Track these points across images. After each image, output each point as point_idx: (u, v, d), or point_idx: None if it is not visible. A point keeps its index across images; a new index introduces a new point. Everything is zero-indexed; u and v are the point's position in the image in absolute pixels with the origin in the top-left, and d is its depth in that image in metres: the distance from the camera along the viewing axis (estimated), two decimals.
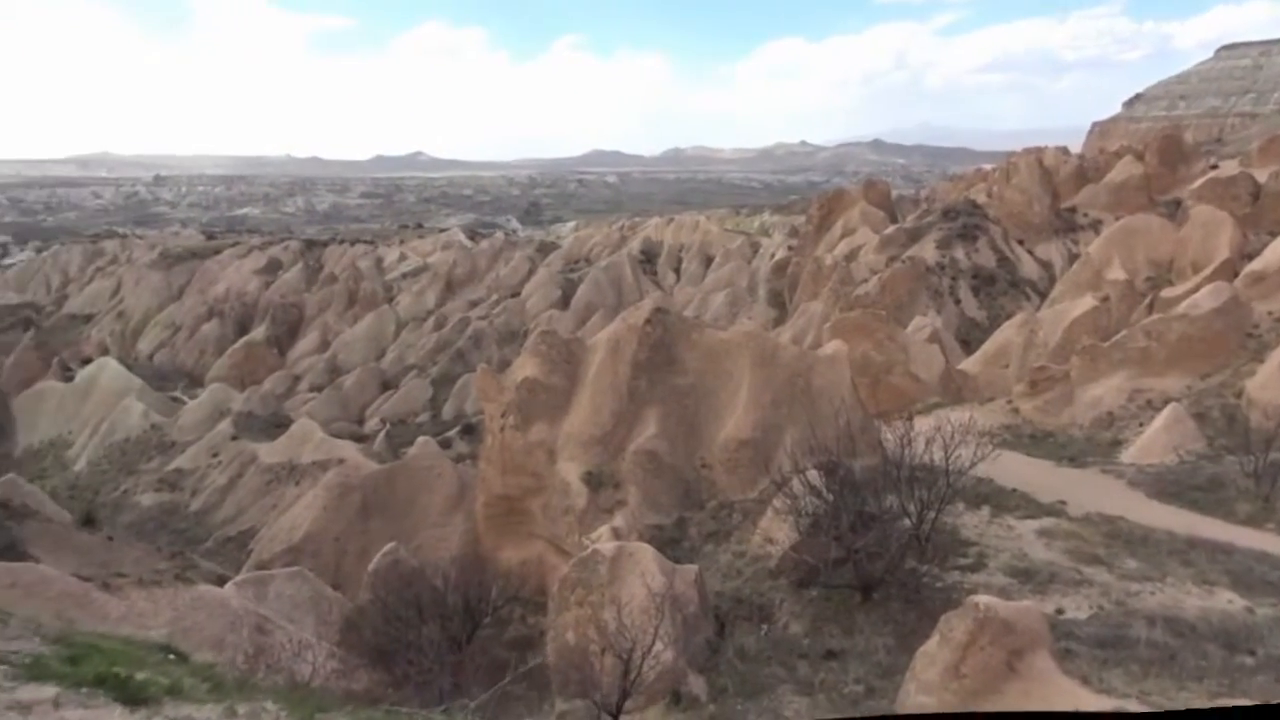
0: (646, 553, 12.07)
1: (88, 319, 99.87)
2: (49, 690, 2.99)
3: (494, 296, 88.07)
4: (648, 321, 18.89)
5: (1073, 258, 67.73)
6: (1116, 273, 34.04)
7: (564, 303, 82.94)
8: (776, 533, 15.22)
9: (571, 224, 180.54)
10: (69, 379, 57.05)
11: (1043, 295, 64.07)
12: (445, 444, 46.53)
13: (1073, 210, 72.61)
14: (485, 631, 15.94)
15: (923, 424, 17.93)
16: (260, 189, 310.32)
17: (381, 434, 51.27)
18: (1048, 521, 16.14)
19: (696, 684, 11.00)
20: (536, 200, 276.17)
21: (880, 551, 13.45)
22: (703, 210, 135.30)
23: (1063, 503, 17.03)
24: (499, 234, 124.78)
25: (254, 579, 15.93)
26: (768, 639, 12.71)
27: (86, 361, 66.49)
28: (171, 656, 5.65)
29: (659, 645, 9.97)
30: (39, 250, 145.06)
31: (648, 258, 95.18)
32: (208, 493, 39.23)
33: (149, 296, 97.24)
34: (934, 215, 76.71)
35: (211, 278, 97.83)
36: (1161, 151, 65.18)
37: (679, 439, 18.37)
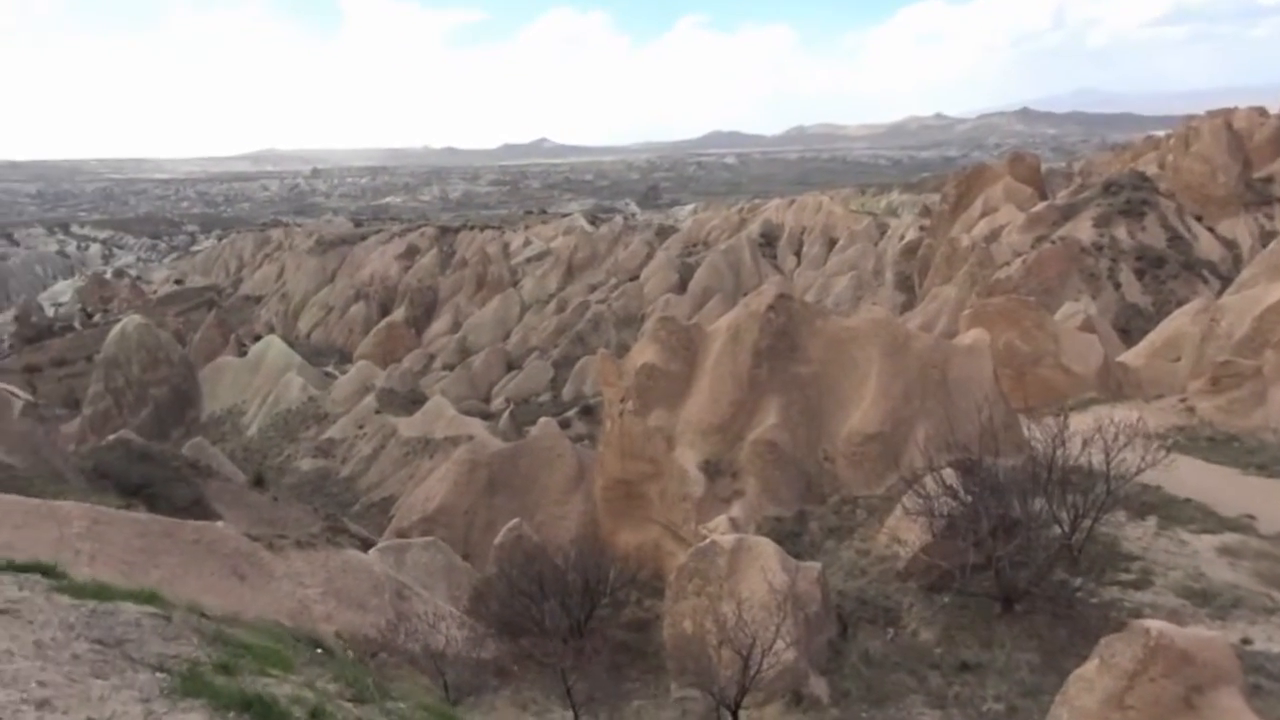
0: (767, 547, 11.74)
1: (258, 300, 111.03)
2: (194, 718, 3.18)
3: (613, 280, 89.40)
4: (770, 308, 18.33)
5: (1266, 236, 59.27)
6: None
7: (682, 286, 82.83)
8: (905, 533, 14.37)
9: (690, 207, 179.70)
10: (243, 354, 63.88)
11: (1224, 279, 56.62)
12: (564, 424, 47.98)
13: (1269, 180, 63.44)
14: (602, 612, 16.22)
15: (1079, 422, 16.31)
16: (401, 179, 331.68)
17: (506, 413, 53.57)
18: (1231, 538, 14.23)
19: (818, 685, 10.60)
20: (655, 184, 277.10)
21: (1026, 560, 12.37)
22: (826, 190, 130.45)
23: (1250, 517, 14.96)
24: (618, 218, 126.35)
25: (394, 546, 17.05)
26: (895, 644, 12.06)
27: (257, 338, 74.06)
28: (319, 650, 6.04)
29: (780, 644, 9.66)
30: (219, 238, 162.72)
31: (767, 240, 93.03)
32: (355, 461, 42.67)
33: (307, 280, 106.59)
34: (1092, 190, 69.67)
35: (359, 262, 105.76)
36: None
37: (800, 430, 17.76)
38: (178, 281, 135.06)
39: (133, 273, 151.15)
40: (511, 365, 74.84)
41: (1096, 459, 13.84)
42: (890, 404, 17.49)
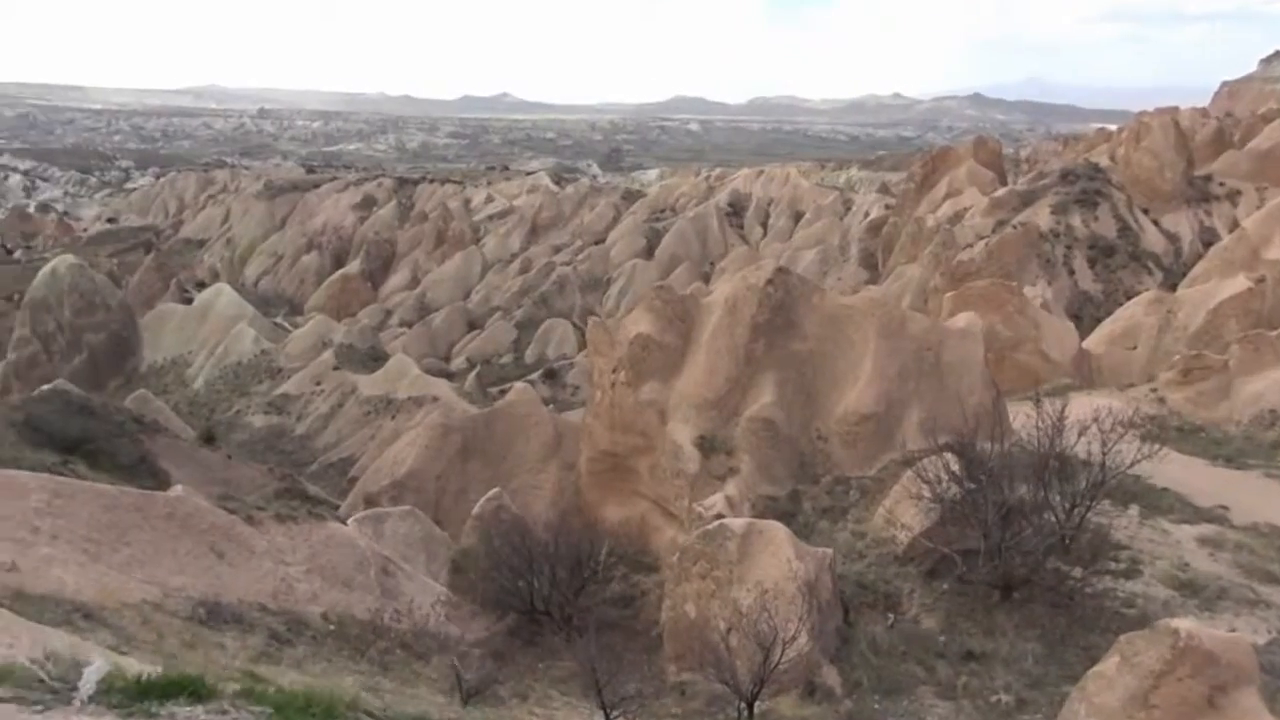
0: (780, 532, 11.42)
1: (200, 244, 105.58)
2: None
3: (578, 242, 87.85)
4: (769, 282, 17.86)
5: (1204, 230, 61.83)
6: (1278, 252, 30.48)
7: (648, 252, 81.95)
8: (903, 515, 14.29)
9: (654, 172, 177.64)
10: (187, 301, 60.53)
11: (1166, 270, 58.96)
12: None
13: (1208, 178, 65.88)
14: (589, 586, 15.82)
15: (1055, 408, 16.45)
16: (355, 125, 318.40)
17: (472, 375, 52.37)
18: (1208, 529, 14.60)
19: (830, 676, 10.42)
20: (617, 146, 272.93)
21: (1029, 549, 12.40)
22: (786, 162, 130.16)
23: (1224, 508, 15.38)
24: (584, 180, 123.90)
25: (372, 516, 16.26)
26: (899, 632, 11.98)
27: (200, 285, 70.35)
28: None
29: (803, 638, 9.38)
30: (158, 176, 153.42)
31: (734, 210, 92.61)
32: (311, 419, 41.05)
33: (254, 226, 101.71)
34: (1050, 178, 71.22)
35: (311, 210, 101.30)
36: None
37: (795, 408, 17.49)
38: (111, 220, 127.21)
39: (59, 208, 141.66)
40: (473, 325, 73.14)
41: (1092, 447, 13.93)
42: (885, 385, 17.33)
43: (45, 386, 31.35)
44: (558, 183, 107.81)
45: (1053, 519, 13.53)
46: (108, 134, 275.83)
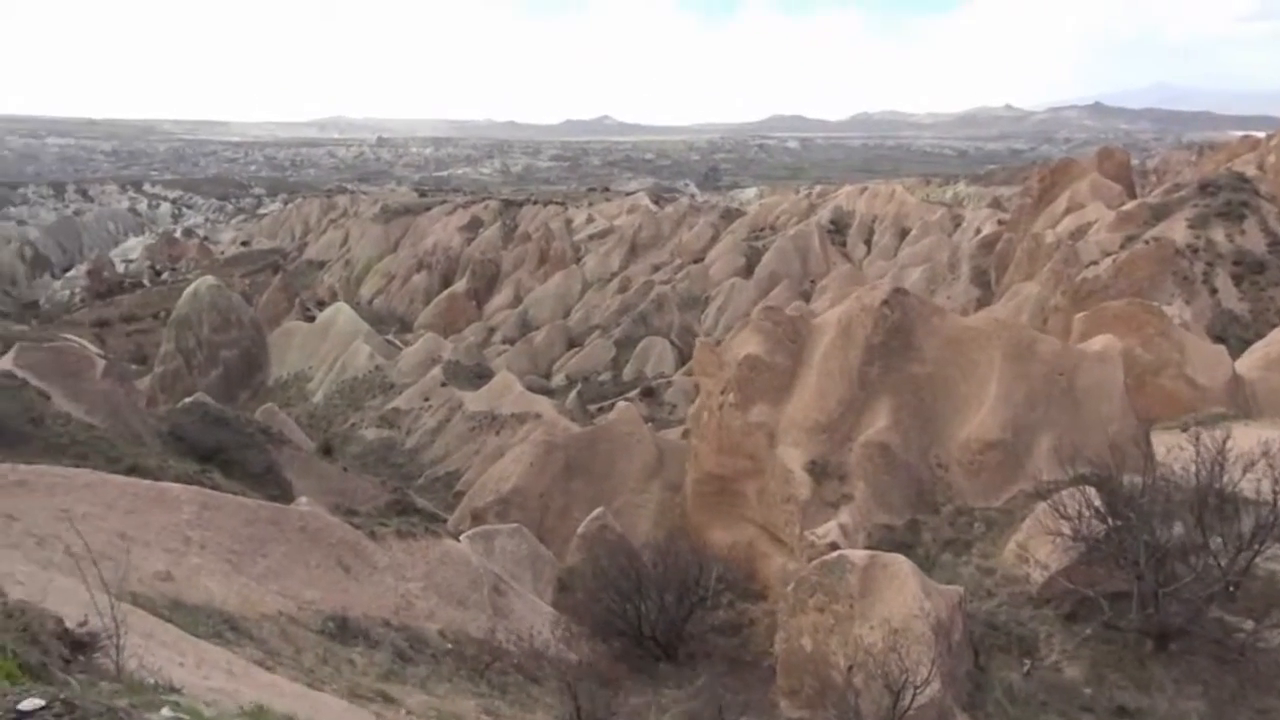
0: (905, 567, 10.82)
1: (322, 265, 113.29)
2: None
3: (677, 261, 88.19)
4: (885, 303, 17.21)
5: None
6: None
7: (747, 271, 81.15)
8: (1039, 552, 13.28)
9: (752, 190, 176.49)
10: (310, 319, 64.97)
11: None
12: None
13: None
14: (696, 613, 15.55)
15: (1216, 439, 14.85)
16: (463, 151, 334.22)
17: (574, 393, 53.32)
18: None
19: None
20: (715, 165, 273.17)
21: (1187, 596, 11.20)
22: (889, 179, 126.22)
23: None
24: (683, 199, 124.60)
25: (482, 534, 16.67)
26: (1038, 680, 11.06)
27: (321, 304, 75.40)
28: None
29: (935, 683, 8.79)
30: (286, 202, 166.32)
31: (837, 228, 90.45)
32: (420, 433, 42.92)
33: (370, 247, 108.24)
34: (1187, 190, 65.66)
35: (422, 232, 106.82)
36: None
37: (913, 433, 16.69)
38: (244, 243, 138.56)
39: (201, 233, 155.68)
40: (573, 342, 74.64)
41: (1261, 485, 12.47)
42: (1012, 411, 16.27)
43: (187, 399, 34.30)
44: (656, 202, 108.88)
45: (1214, 563, 12.20)
46: (244, 164, 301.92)
